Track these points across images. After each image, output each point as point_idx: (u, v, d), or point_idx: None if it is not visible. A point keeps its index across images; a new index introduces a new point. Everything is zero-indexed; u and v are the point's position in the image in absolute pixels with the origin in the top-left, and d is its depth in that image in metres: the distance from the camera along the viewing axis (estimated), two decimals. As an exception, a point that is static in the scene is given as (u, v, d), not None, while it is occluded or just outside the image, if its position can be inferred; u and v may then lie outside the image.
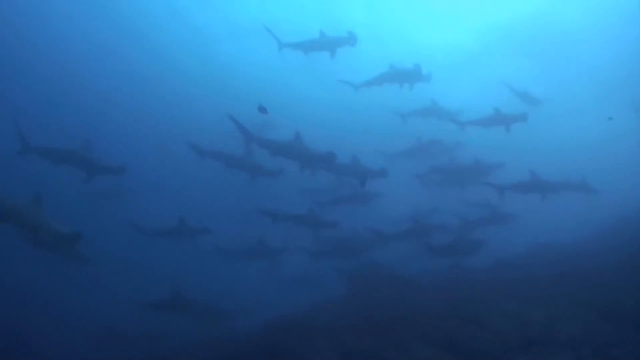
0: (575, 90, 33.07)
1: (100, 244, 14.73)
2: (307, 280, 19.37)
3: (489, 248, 15.49)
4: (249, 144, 13.89)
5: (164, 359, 12.83)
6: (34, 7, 31.94)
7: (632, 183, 20.05)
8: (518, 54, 35.00)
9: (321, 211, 16.89)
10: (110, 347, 15.73)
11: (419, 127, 19.85)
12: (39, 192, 10.92)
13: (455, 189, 19.23)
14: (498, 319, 9.85)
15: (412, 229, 15.95)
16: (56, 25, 33.31)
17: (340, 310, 12.66)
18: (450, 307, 10.72)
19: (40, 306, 18.35)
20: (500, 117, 16.62)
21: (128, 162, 13.79)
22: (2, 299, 18.26)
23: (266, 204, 16.27)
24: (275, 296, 17.65)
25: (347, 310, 12.48)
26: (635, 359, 7.71)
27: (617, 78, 30.17)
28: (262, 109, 11.67)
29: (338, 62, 17.75)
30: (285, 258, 17.63)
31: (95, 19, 33.70)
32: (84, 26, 33.90)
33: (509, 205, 17.41)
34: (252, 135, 13.81)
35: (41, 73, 33.72)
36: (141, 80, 36.65)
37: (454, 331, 9.71)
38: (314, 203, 17.92)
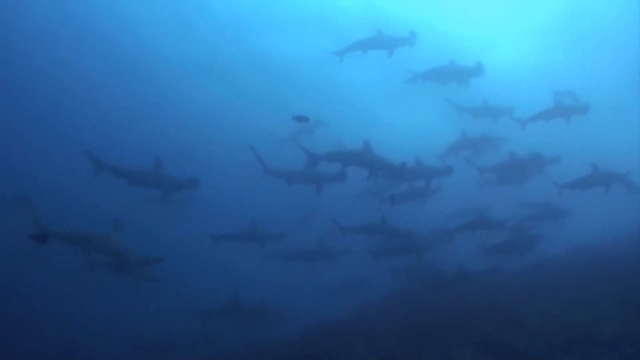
0: (614, 86, 32.45)
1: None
2: (354, 284, 19.27)
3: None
4: (314, 164, 13.54)
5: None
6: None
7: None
8: (557, 51, 34.59)
9: (382, 208, 16.64)
10: (152, 356, 15.96)
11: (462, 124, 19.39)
12: (117, 219, 11.50)
13: (509, 185, 18.67)
14: (539, 320, 9.77)
15: (472, 223, 15.54)
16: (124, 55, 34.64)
17: (381, 314, 12.70)
18: (491, 310, 10.69)
19: (93, 315, 18.79)
20: (561, 110, 16.17)
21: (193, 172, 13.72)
22: (55, 311, 18.89)
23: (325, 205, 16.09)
24: (321, 301, 17.61)
25: (387, 314, 12.52)
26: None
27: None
28: (300, 118, 11.61)
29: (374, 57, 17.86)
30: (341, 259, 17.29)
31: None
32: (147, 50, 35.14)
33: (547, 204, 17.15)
34: (316, 155, 13.44)
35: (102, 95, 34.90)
36: (199, 96, 37.38)
37: (494, 334, 9.67)
38: (377, 200, 17.61)
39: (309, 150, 13.45)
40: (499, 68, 32.68)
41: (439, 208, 18.60)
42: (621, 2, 30.98)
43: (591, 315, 9.38)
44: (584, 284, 10.84)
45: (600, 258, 12.79)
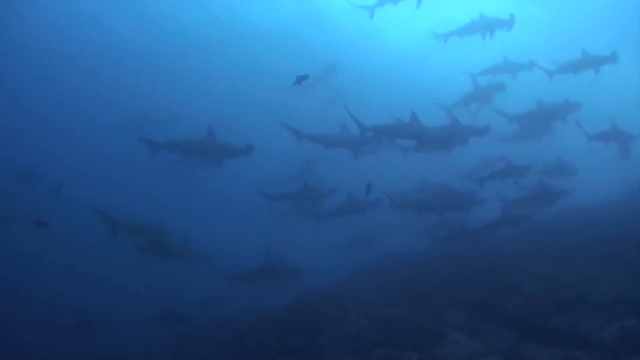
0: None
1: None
2: (361, 241, 19.12)
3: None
4: (364, 134, 12.89)
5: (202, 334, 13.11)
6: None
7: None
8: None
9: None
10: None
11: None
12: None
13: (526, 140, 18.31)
14: (531, 283, 9.84)
15: (501, 171, 14.81)
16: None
17: (373, 280, 12.76)
18: (483, 273, 10.73)
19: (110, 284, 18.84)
20: (589, 60, 15.60)
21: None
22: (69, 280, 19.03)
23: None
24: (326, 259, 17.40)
25: (379, 280, 12.59)
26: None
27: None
28: (300, 78, 11.43)
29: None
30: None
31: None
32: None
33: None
34: (365, 125, 12.82)
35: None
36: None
37: (487, 297, 9.75)
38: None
39: (359, 120, 13.07)
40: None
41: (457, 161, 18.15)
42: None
43: (582, 277, 9.45)
44: (575, 246, 10.89)
45: (590, 221, 12.77)
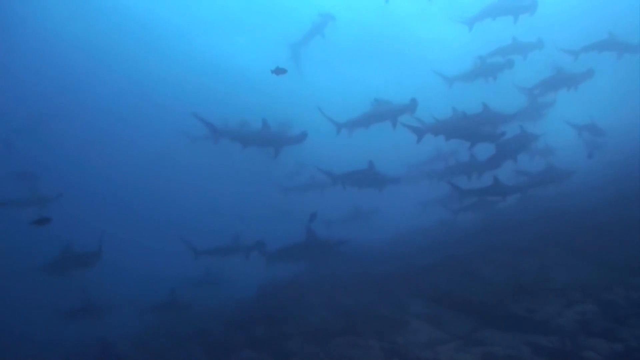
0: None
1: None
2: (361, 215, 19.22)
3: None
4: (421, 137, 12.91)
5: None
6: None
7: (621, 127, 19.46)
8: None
9: None
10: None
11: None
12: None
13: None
14: (491, 271, 9.98)
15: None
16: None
17: (334, 269, 12.75)
18: (445, 262, 10.82)
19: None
20: (615, 44, 16.05)
21: None
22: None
23: None
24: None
25: (341, 268, 12.59)
26: (625, 301, 7.81)
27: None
28: (279, 70, 11.44)
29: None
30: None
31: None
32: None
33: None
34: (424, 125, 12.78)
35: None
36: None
37: (447, 285, 9.83)
38: None
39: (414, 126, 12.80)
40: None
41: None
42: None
43: (540, 263, 9.62)
44: (533, 233, 11.04)
45: (549, 211, 12.82)
